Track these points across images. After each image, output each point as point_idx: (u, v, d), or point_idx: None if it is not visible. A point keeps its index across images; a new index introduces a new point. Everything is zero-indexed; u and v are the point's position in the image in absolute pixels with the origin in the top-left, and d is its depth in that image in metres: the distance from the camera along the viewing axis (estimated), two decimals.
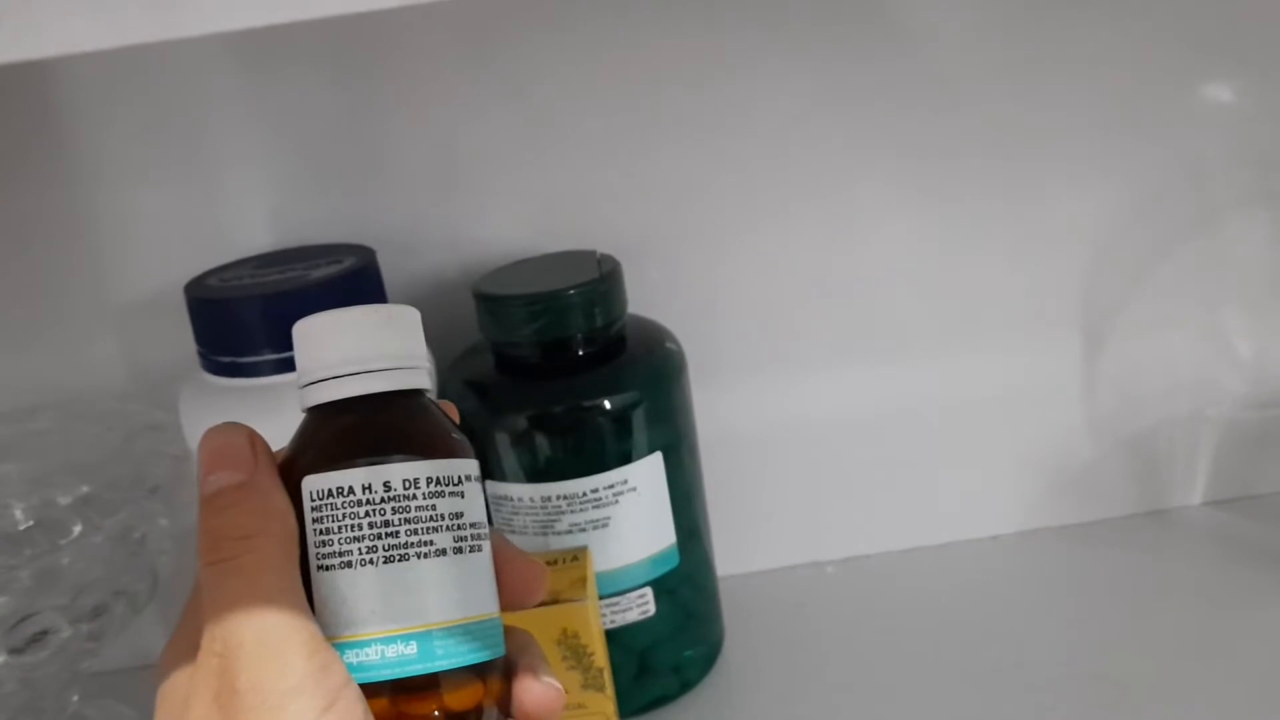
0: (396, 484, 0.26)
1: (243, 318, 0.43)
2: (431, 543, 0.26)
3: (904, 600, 0.53)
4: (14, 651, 0.40)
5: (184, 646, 0.26)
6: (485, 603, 0.27)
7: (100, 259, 0.53)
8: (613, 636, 0.45)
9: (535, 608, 0.38)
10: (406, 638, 0.25)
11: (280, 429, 0.42)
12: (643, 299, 0.49)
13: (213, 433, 0.28)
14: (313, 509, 0.26)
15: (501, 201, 0.52)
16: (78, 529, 0.43)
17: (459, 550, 0.26)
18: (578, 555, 0.42)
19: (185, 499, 0.46)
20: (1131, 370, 0.55)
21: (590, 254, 0.47)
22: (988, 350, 0.54)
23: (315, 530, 0.26)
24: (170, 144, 0.51)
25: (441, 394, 0.47)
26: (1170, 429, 0.55)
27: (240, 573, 0.25)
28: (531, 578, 0.28)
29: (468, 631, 0.26)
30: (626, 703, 0.46)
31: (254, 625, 0.24)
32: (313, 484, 0.26)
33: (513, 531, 0.45)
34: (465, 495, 0.27)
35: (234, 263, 0.47)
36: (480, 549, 0.27)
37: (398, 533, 0.26)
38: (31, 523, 0.44)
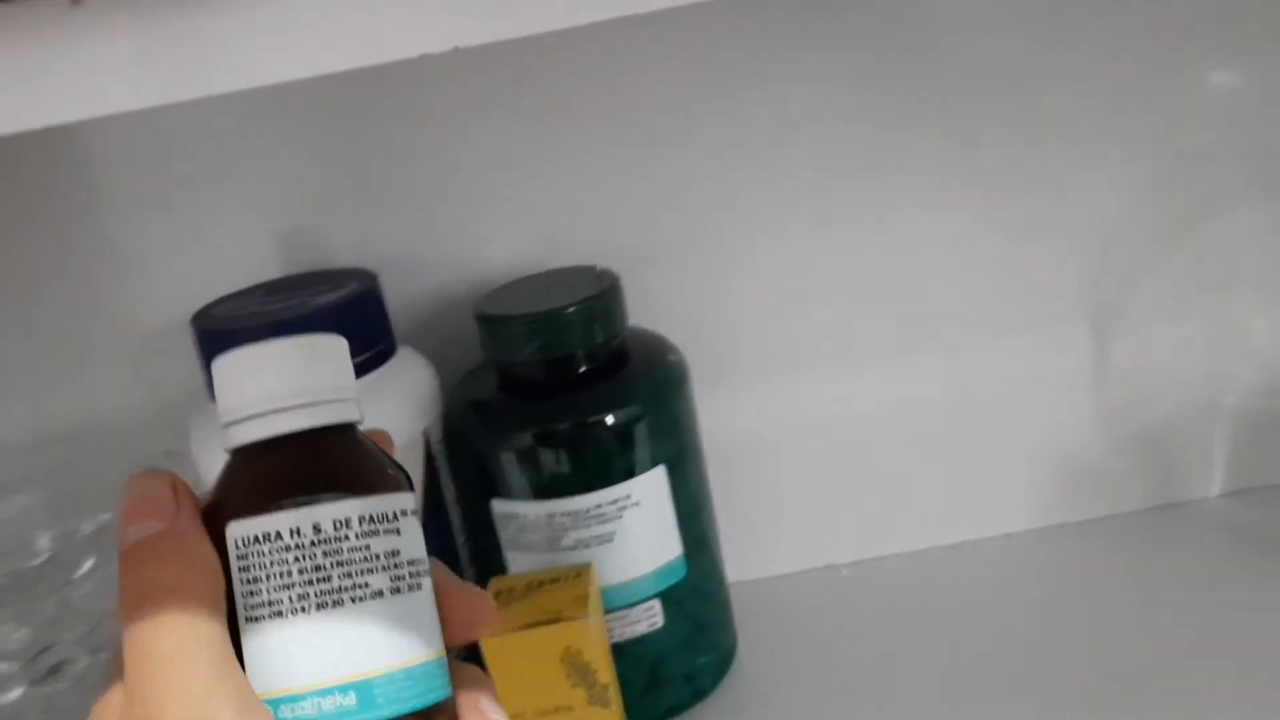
0: (327, 526, 0.24)
1: None
2: (367, 585, 0.25)
3: (918, 602, 0.53)
4: (34, 683, 0.41)
5: (110, 711, 0.24)
6: (428, 642, 0.25)
7: (113, 289, 0.53)
8: (621, 649, 0.45)
9: (539, 627, 0.39)
10: (345, 688, 0.24)
11: None
12: (644, 307, 0.49)
13: (132, 481, 0.26)
14: (239, 557, 0.25)
15: (503, 218, 0.52)
16: (91, 561, 0.44)
17: (396, 590, 0.25)
18: (580, 572, 0.43)
19: None
20: (1143, 361, 0.54)
21: (590, 269, 0.48)
22: (996, 345, 0.54)
23: (242, 580, 0.25)
24: (176, 173, 0.52)
25: (447, 413, 0.47)
26: (1184, 420, 0.55)
27: (161, 629, 0.23)
28: (477, 609, 0.27)
29: (410, 676, 0.25)
30: (638, 714, 0.46)
31: (178, 686, 0.23)
32: (237, 531, 0.25)
33: (520, 549, 0.45)
34: (401, 531, 0.25)
35: (239, 292, 0.48)
36: (419, 586, 0.26)
37: (330, 577, 0.24)
38: (49, 554, 0.45)
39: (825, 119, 0.51)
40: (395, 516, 0.25)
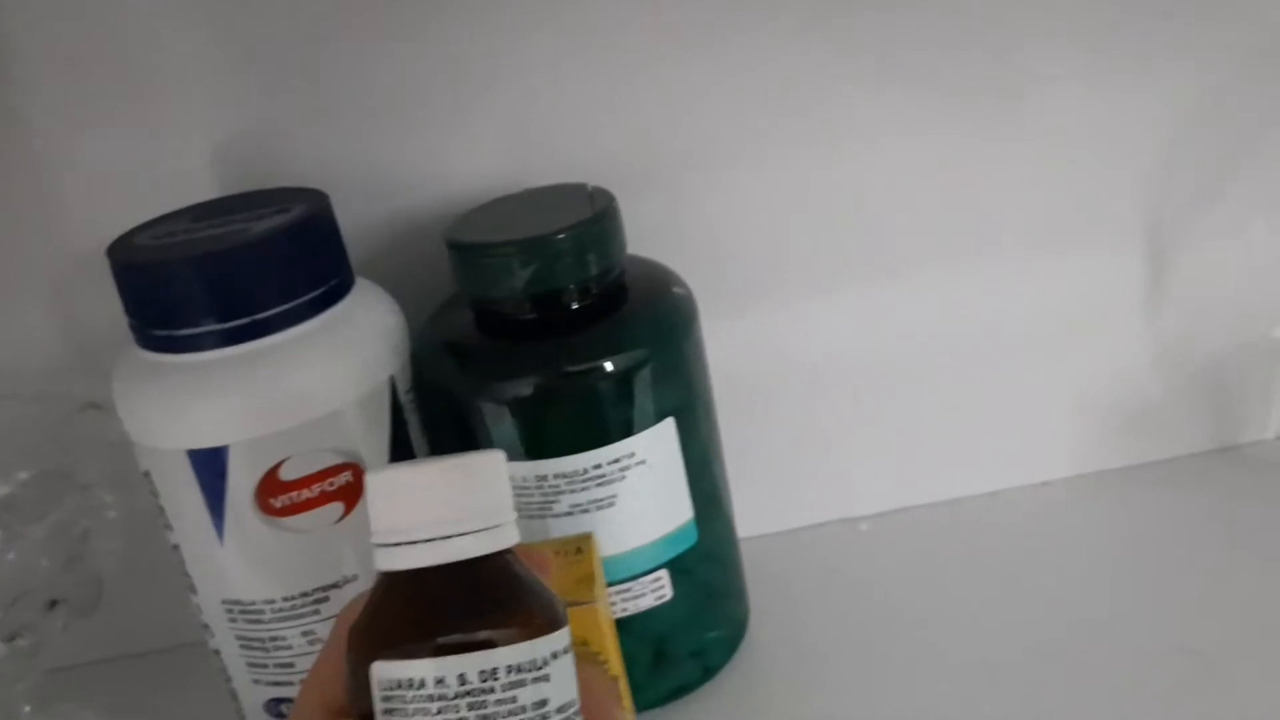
0: (473, 677, 0.24)
1: (176, 283, 0.37)
2: None
3: (948, 559, 0.48)
4: None
5: None
6: None
7: (24, 214, 0.46)
8: (623, 625, 0.40)
9: None
10: None
11: (226, 410, 0.37)
12: (638, 235, 0.43)
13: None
14: (383, 698, 0.24)
15: (473, 130, 0.45)
16: (1, 534, 0.37)
17: None
18: (581, 545, 0.36)
19: (129, 488, 0.41)
20: (1200, 290, 0.48)
21: (580, 188, 0.41)
22: (1036, 272, 0.48)
23: (385, 718, 0.24)
24: (98, 80, 0.44)
25: (416, 356, 0.41)
26: (1243, 354, 0.49)
27: None
28: None
29: None
30: (643, 695, 0.41)
31: None
32: (382, 672, 0.24)
33: None
34: (551, 677, 0.24)
35: (166, 216, 0.41)
36: None
37: None
38: None
39: (839, 16, 0.44)
40: (545, 663, 0.24)
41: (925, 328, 0.48)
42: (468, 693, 0.24)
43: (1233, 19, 0.45)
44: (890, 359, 0.49)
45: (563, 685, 0.24)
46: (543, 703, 0.24)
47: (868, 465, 0.50)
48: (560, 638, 0.25)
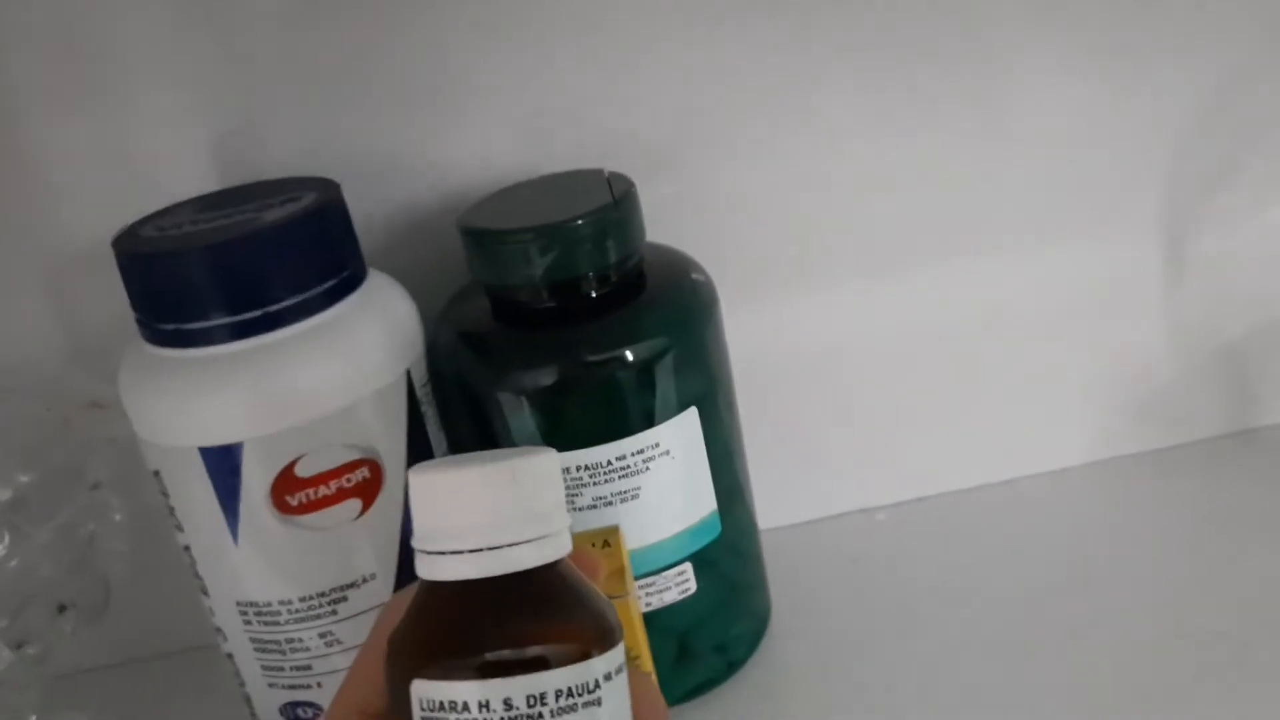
0: (519, 702, 0.22)
1: (185, 274, 0.35)
2: None
3: (966, 549, 0.47)
4: None
5: None
6: None
7: (24, 208, 0.44)
8: (649, 620, 0.39)
9: None
10: None
11: (239, 406, 0.36)
12: (653, 221, 0.42)
13: None
14: (423, 718, 0.22)
15: (486, 115, 0.44)
16: (5, 540, 0.36)
17: None
18: (609, 539, 0.35)
19: (135, 488, 0.40)
20: (1215, 276, 0.48)
21: (597, 173, 0.40)
22: (1052, 260, 0.47)
23: None
24: (97, 70, 0.43)
25: (432, 348, 0.40)
26: (1259, 339, 0.49)
27: None
28: None
29: None
30: (667, 692, 0.39)
31: None
32: (422, 691, 0.22)
33: None
34: (604, 701, 0.22)
35: (172, 207, 0.40)
36: None
37: None
38: None
39: None
40: (597, 685, 0.22)
41: (942, 317, 0.48)
42: (514, 718, 0.22)
43: (1245, 3, 0.44)
44: (906, 348, 0.48)
45: (616, 708, 0.23)
46: None
47: (883, 455, 0.49)
48: (614, 656, 0.23)
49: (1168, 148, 0.46)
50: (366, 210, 0.42)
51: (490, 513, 0.23)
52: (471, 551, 0.23)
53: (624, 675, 0.23)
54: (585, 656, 0.22)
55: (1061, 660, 0.41)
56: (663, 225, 0.42)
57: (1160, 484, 0.48)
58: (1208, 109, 0.46)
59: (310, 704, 0.38)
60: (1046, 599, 0.43)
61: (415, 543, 0.23)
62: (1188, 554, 0.45)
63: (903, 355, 0.48)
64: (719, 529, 0.40)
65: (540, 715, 0.22)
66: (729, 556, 0.41)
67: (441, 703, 0.22)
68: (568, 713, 0.22)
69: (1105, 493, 0.49)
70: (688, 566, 0.39)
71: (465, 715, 0.22)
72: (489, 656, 0.22)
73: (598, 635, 0.23)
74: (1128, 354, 0.49)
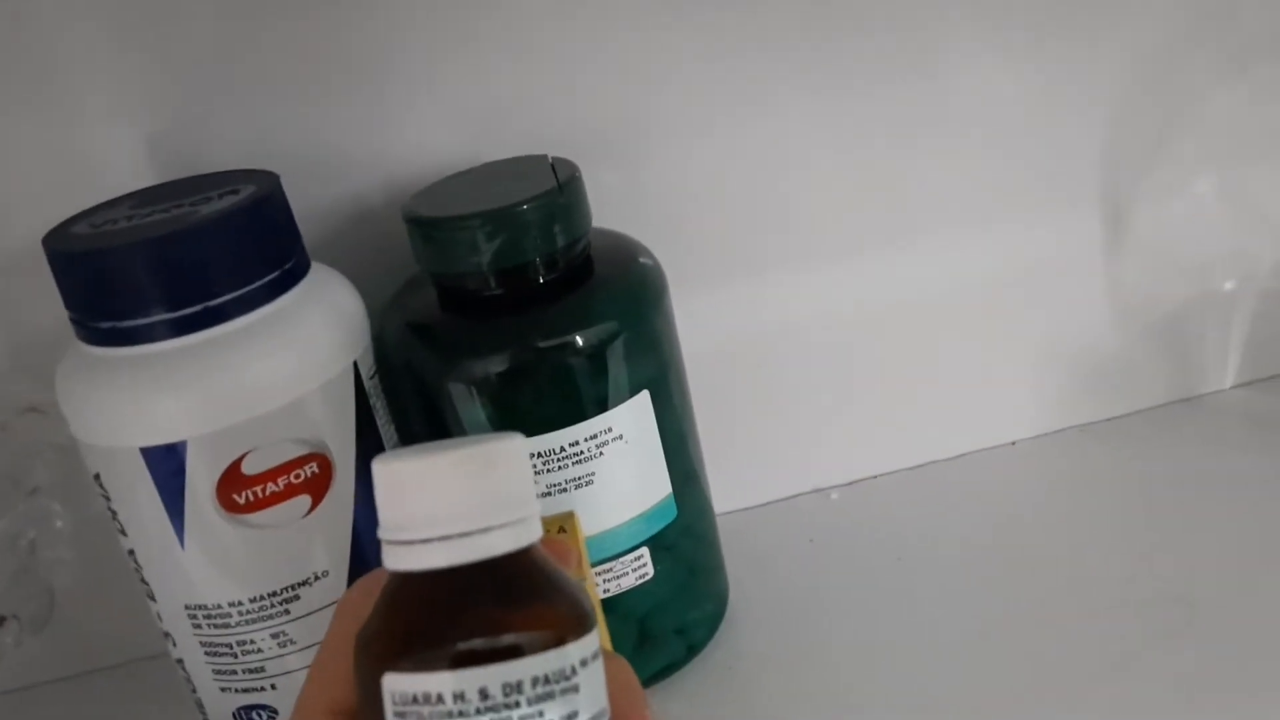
0: (495, 691, 0.21)
1: (121, 270, 0.34)
2: None
3: (920, 524, 0.47)
4: None
5: None
6: None
7: None
8: (608, 606, 0.39)
9: None
10: None
11: (181, 403, 0.35)
12: (599, 209, 0.41)
13: None
14: (396, 714, 0.22)
15: (428, 103, 0.43)
16: None
17: None
18: (565, 525, 0.35)
19: (77, 494, 0.39)
20: (1155, 247, 0.48)
21: (541, 159, 0.40)
22: (993, 236, 0.48)
23: None
24: (28, 63, 0.41)
25: (380, 340, 0.39)
26: (1201, 306, 0.50)
27: None
28: None
29: None
30: None
31: None
32: (395, 685, 0.22)
33: None
34: (581, 687, 0.22)
35: (106, 203, 0.39)
36: None
37: None
38: None
39: None
40: (573, 671, 0.22)
41: (885, 296, 0.48)
42: (490, 708, 0.21)
43: None
44: (852, 328, 0.48)
45: (593, 694, 0.22)
46: (573, 715, 0.22)
47: (835, 435, 0.50)
48: (590, 642, 0.22)
49: (1101, 129, 0.47)
50: (309, 202, 0.41)
51: (462, 499, 0.22)
52: (441, 539, 0.22)
53: (600, 660, 0.23)
54: (561, 643, 0.22)
55: (1019, 630, 0.41)
56: (609, 213, 0.42)
57: (1109, 452, 0.49)
58: (1139, 90, 0.46)
59: (264, 707, 0.38)
60: (1002, 570, 0.44)
61: (382, 534, 0.23)
62: (1139, 520, 0.45)
63: (852, 335, 0.48)
64: (675, 513, 0.40)
65: (517, 704, 0.21)
66: (686, 540, 0.41)
67: (415, 695, 0.22)
68: (545, 700, 0.22)
69: (1056, 464, 0.49)
70: (645, 551, 0.39)
71: (440, 707, 0.21)
72: (462, 646, 0.21)
73: (573, 621, 0.22)
74: (1072, 327, 0.49)
